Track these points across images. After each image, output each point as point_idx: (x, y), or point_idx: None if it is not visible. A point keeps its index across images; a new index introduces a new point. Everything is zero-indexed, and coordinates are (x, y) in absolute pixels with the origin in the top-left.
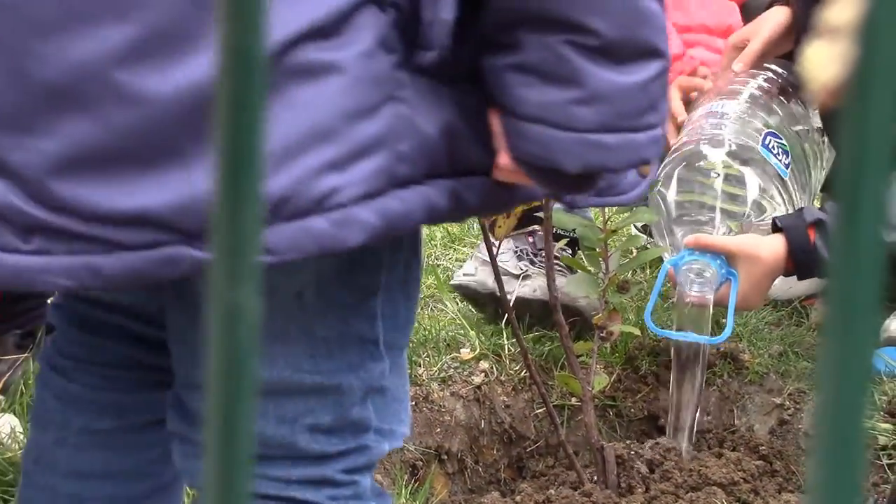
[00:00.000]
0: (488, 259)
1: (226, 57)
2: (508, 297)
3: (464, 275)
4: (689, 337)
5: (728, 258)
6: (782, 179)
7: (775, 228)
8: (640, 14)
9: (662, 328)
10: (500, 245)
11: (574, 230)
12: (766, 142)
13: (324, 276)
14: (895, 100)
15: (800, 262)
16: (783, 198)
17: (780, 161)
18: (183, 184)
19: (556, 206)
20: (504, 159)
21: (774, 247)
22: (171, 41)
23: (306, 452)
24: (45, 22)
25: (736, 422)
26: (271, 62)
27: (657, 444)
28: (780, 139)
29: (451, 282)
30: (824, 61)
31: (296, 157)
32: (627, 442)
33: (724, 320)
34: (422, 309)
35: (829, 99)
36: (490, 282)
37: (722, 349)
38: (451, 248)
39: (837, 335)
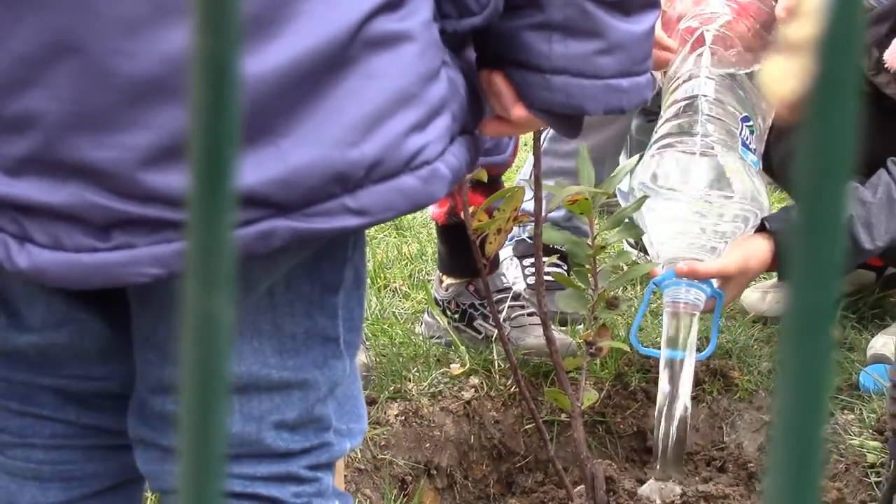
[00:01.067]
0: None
1: (199, 66)
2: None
3: (430, 335)
4: (674, 354)
5: (721, 278)
6: (756, 170)
7: (762, 228)
8: None
9: (648, 347)
10: (490, 264)
11: (563, 246)
12: (744, 138)
13: (293, 272)
14: (853, 114)
15: (783, 261)
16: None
17: (753, 150)
18: (275, 160)
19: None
20: (520, 111)
21: (761, 252)
22: (258, 26)
23: (272, 450)
24: (133, 19)
25: (725, 439)
26: (350, 37)
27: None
28: (749, 121)
29: (423, 334)
30: (782, 76)
31: (383, 123)
32: (615, 466)
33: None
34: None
35: (788, 113)
36: (458, 337)
37: (711, 366)
38: None
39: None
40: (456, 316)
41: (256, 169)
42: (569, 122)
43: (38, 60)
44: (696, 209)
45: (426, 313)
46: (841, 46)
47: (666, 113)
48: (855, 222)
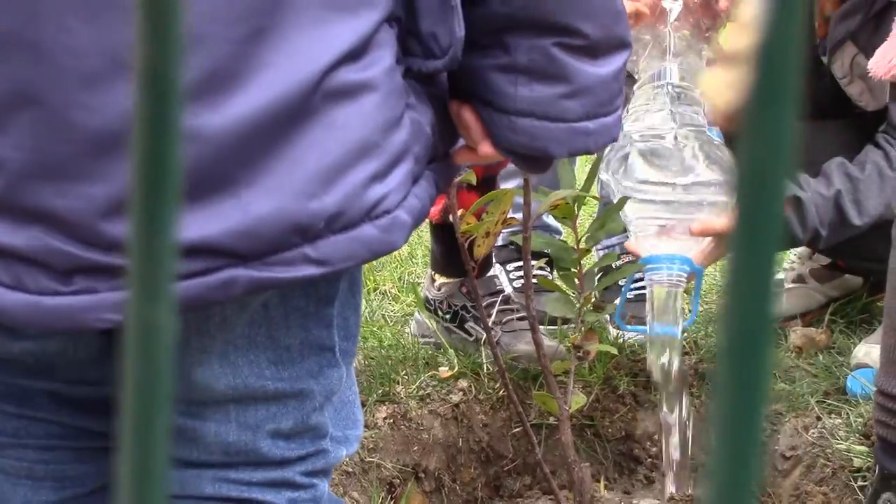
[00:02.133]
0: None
1: (142, 81)
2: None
3: (421, 336)
4: (657, 330)
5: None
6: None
7: None
8: (616, 13)
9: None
10: (480, 268)
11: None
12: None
13: (288, 286)
14: (790, 123)
15: None
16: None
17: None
18: (236, 210)
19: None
20: (487, 149)
21: None
22: (220, 79)
23: (267, 458)
24: (92, 74)
25: (714, 443)
26: (312, 89)
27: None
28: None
29: (413, 335)
30: (720, 87)
31: (344, 174)
32: (604, 474)
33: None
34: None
35: (726, 123)
36: (447, 339)
37: (699, 370)
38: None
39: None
40: (447, 316)
41: (217, 219)
42: (536, 161)
43: (0, 108)
44: (669, 198)
45: (417, 313)
46: (778, 56)
47: (636, 100)
48: (843, 198)
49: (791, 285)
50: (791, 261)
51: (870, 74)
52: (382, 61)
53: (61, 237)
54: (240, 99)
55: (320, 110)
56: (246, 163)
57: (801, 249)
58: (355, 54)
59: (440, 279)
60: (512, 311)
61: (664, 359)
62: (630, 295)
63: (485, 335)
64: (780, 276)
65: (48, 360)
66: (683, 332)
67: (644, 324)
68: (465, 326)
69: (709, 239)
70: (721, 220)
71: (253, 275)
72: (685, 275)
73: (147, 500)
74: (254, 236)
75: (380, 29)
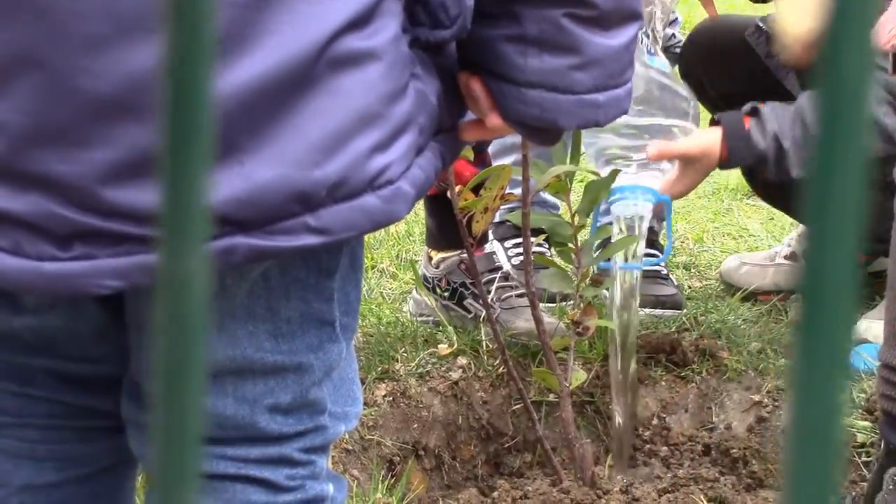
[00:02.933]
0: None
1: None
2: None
3: (419, 315)
4: (628, 265)
5: (684, 160)
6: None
7: (713, 123)
8: None
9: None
10: (477, 241)
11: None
12: (645, 45)
13: (289, 257)
14: (869, 51)
15: (732, 148)
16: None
17: (653, 53)
18: (238, 177)
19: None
20: (495, 120)
21: (716, 141)
22: (226, 44)
23: (265, 433)
24: (94, 38)
25: (714, 419)
26: (316, 56)
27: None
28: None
29: (411, 314)
30: (797, 15)
31: (347, 142)
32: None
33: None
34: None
35: (803, 53)
36: (445, 317)
37: (700, 346)
38: None
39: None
40: (446, 294)
41: (219, 186)
42: (545, 133)
43: (1, 71)
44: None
45: (414, 291)
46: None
47: None
48: (805, 112)
49: (782, 261)
50: (791, 237)
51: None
52: (388, 30)
53: (61, 202)
54: (243, 65)
55: (324, 78)
56: (249, 130)
57: (804, 228)
58: (360, 22)
59: (437, 256)
60: (511, 287)
61: (621, 300)
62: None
63: (484, 312)
64: (776, 249)
65: (49, 336)
66: (657, 265)
67: (646, 302)
68: (464, 304)
69: (674, 168)
70: (677, 144)
71: (253, 243)
72: (650, 204)
73: (181, 461)
74: (255, 204)
75: None
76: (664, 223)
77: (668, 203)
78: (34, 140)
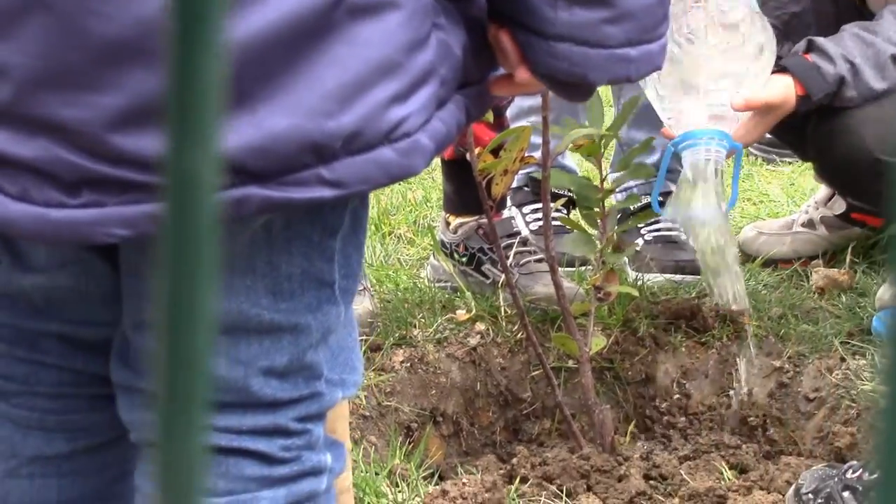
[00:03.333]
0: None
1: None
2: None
3: (437, 280)
4: (698, 213)
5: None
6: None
7: (777, 72)
8: None
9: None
10: (496, 204)
11: (570, 189)
12: None
13: (293, 209)
14: None
15: (808, 81)
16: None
17: None
18: (251, 126)
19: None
20: (524, 74)
21: (791, 87)
22: None
23: (258, 398)
24: None
25: (734, 385)
26: (334, 3)
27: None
28: None
29: (428, 279)
30: None
31: (363, 93)
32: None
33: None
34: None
35: None
36: (464, 282)
37: (720, 312)
38: None
39: None
40: (464, 259)
41: (233, 134)
42: (576, 89)
43: (8, 13)
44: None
45: (432, 256)
46: None
47: None
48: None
49: (800, 229)
50: (808, 203)
51: None
52: None
53: (69, 148)
54: (259, 10)
55: (341, 26)
56: (262, 78)
57: (821, 195)
58: None
59: (455, 221)
60: (529, 252)
61: (710, 243)
62: (649, 237)
63: (503, 277)
64: (793, 217)
65: (58, 297)
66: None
67: (666, 268)
68: (482, 269)
69: (748, 115)
70: (761, 93)
71: (267, 194)
72: (724, 151)
73: (188, 388)
74: (268, 154)
75: None
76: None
77: (739, 150)
78: (42, 83)
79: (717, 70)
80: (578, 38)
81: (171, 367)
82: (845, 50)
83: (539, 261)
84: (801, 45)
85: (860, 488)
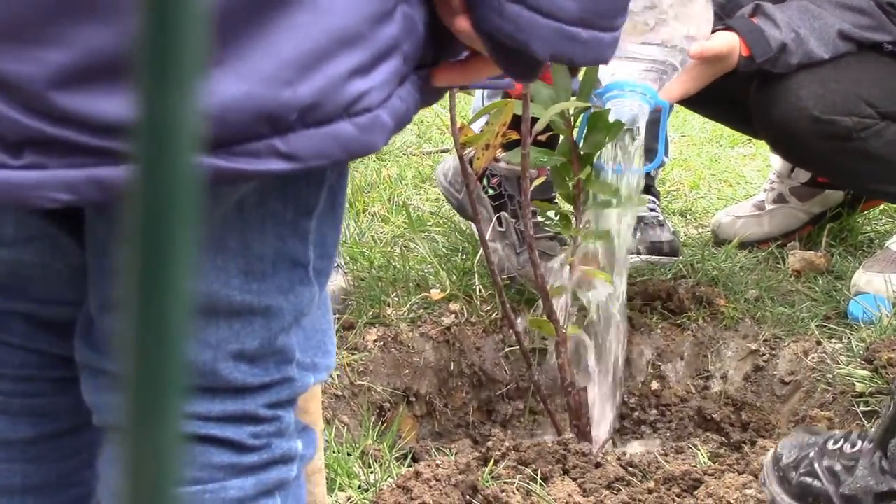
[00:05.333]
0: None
1: None
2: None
3: (448, 182)
4: (618, 168)
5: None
6: None
7: (725, 29)
8: None
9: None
10: (480, 176)
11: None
12: None
13: (267, 186)
14: None
15: (753, 43)
16: None
17: None
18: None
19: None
20: (463, 23)
21: (733, 38)
22: None
23: (227, 383)
24: None
25: (710, 367)
26: None
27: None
28: None
29: (437, 178)
30: None
31: (323, 63)
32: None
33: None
34: (391, 248)
35: None
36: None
37: (697, 294)
38: (420, 187)
39: None
40: (490, 191)
41: None
42: (517, 59)
43: None
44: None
45: (454, 157)
46: None
47: None
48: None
49: (772, 206)
50: (770, 180)
51: None
52: None
53: (12, 105)
54: None
55: None
56: (217, 41)
57: (780, 168)
58: None
59: (505, 154)
60: (541, 229)
61: (616, 213)
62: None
63: (502, 236)
64: (761, 196)
65: (25, 274)
66: (653, 210)
67: (642, 249)
68: (501, 214)
69: (676, 77)
70: (712, 43)
71: (216, 163)
72: (648, 106)
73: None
74: (220, 122)
75: None
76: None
77: (665, 107)
78: None
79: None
80: (531, 2)
81: (142, 349)
82: (791, 19)
83: (551, 239)
84: (748, 8)
85: (841, 463)
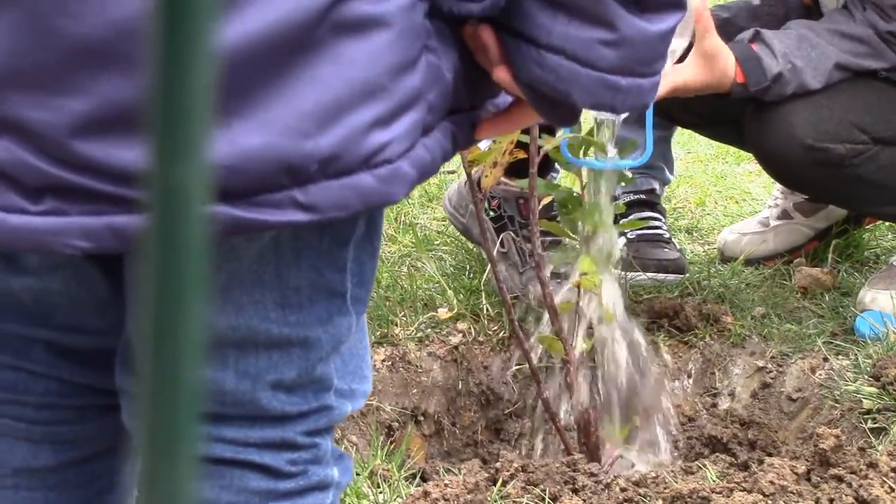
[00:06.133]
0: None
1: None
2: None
3: (452, 207)
4: (605, 164)
5: (700, 44)
6: None
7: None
8: None
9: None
10: (486, 196)
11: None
12: None
13: (271, 230)
14: None
15: (748, 69)
16: None
17: None
18: (223, 142)
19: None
20: (503, 74)
21: (730, 55)
22: None
23: (266, 412)
24: None
25: (717, 385)
26: (319, 18)
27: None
28: None
29: (444, 204)
30: None
31: (344, 115)
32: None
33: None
34: (398, 267)
35: None
36: (475, 232)
37: (703, 311)
38: (427, 206)
39: None
40: (491, 214)
41: None
42: (557, 107)
43: None
44: None
45: (462, 183)
46: None
47: None
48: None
49: (777, 222)
50: (774, 196)
51: None
52: None
53: (33, 151)
54: (238, 21)
55: (326, 42)
56: (240, 92)
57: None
58: None
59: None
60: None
61: (598, 192)
62: (631, 235)
63: (501, 260)
64: (766, 213)
65: (49, 302)
66: (658, 229)
67: (649, 266)
68: (502, 235)
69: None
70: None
71: (235, 213)
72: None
73: (173, 436)
74: (240, 172)
75: None
76: (664, 187)
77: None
78: (7, 83)
79: None
80: (570, 52)
81: (156, 392)
82: (788, 49)
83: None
84: (748, 33)
85: None
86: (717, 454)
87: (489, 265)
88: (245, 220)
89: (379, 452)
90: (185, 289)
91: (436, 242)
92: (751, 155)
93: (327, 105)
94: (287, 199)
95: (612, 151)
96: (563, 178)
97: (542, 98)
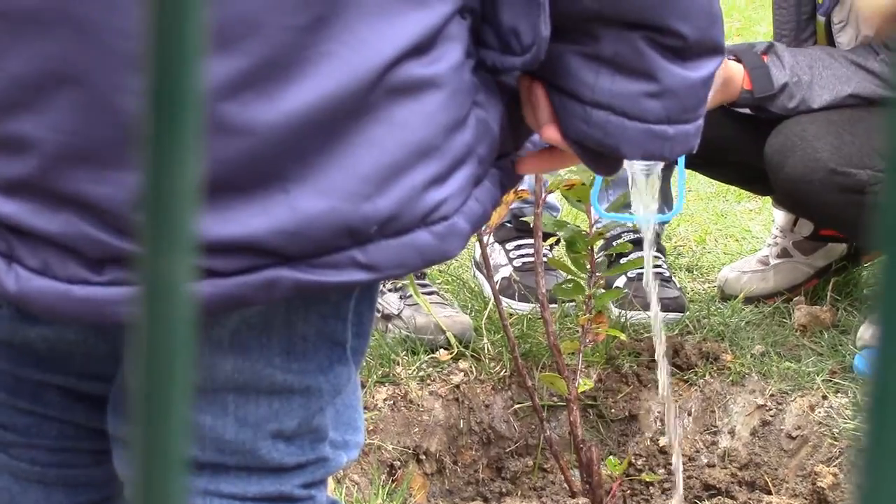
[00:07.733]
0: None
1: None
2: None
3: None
4: (637, 218)
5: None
6: None
7: (735, 60)
8: (714, 15)
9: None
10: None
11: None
12: None
13: (334, 291)
14: None
15: (756, 77)
16: None
17: None
18: (283, 208)
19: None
20: (551, 133)
21: (737, 67)
22: (277, 69)
23: (265, 463)
24: (136, 57)
25: (717, 423)
26: (373, 83)
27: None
28: None
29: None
30: None
31: (401, 176)
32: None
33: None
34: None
35: (884, 25)
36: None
37: (703, 349)
38: None
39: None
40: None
41: (264, 216)
42: (604, 159)
43: (36, 86)
44: None
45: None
46: None
47: None
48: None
49: (777, 261)
50: (773, 235)
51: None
52: (451, 56)
53: (95, 224)
54: (295, 91)
55: (380, 107)
56: (298, 159)
57: (783, 222)
58: (422, 48)
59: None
60: (424, 285)
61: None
62: (632, 275)
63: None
64: (766, 252)
65: (64, 350)
66: (665, 223)
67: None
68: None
69: None
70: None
71: (298, 276)
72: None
73: (164, 488)
74: (301, 236)
75: (451, 21)
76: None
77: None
78: (68, 159)
79: None
80: (617, 107)
81: (147, 476)
82: (798, 64)
83: (430, 293)
84: (762, 45)
85: None
86: (716, 490)
87: (489, 303)
88: (306, 283)
89: (380, 491)
90: (170, 382)
91: (437, 281)
92: (751, 194)
93: (384, 168)
94: (347, 260)
95: (654, 204)
96: (562, 214)
97: (589, 151)
